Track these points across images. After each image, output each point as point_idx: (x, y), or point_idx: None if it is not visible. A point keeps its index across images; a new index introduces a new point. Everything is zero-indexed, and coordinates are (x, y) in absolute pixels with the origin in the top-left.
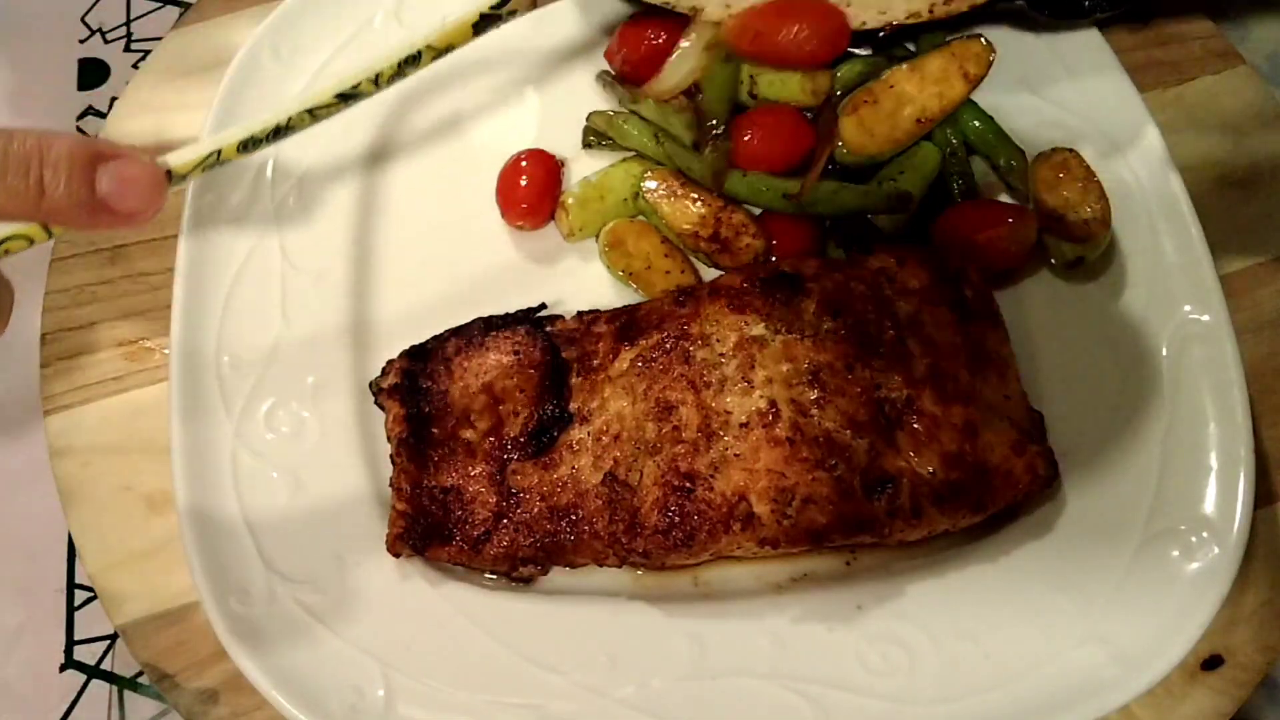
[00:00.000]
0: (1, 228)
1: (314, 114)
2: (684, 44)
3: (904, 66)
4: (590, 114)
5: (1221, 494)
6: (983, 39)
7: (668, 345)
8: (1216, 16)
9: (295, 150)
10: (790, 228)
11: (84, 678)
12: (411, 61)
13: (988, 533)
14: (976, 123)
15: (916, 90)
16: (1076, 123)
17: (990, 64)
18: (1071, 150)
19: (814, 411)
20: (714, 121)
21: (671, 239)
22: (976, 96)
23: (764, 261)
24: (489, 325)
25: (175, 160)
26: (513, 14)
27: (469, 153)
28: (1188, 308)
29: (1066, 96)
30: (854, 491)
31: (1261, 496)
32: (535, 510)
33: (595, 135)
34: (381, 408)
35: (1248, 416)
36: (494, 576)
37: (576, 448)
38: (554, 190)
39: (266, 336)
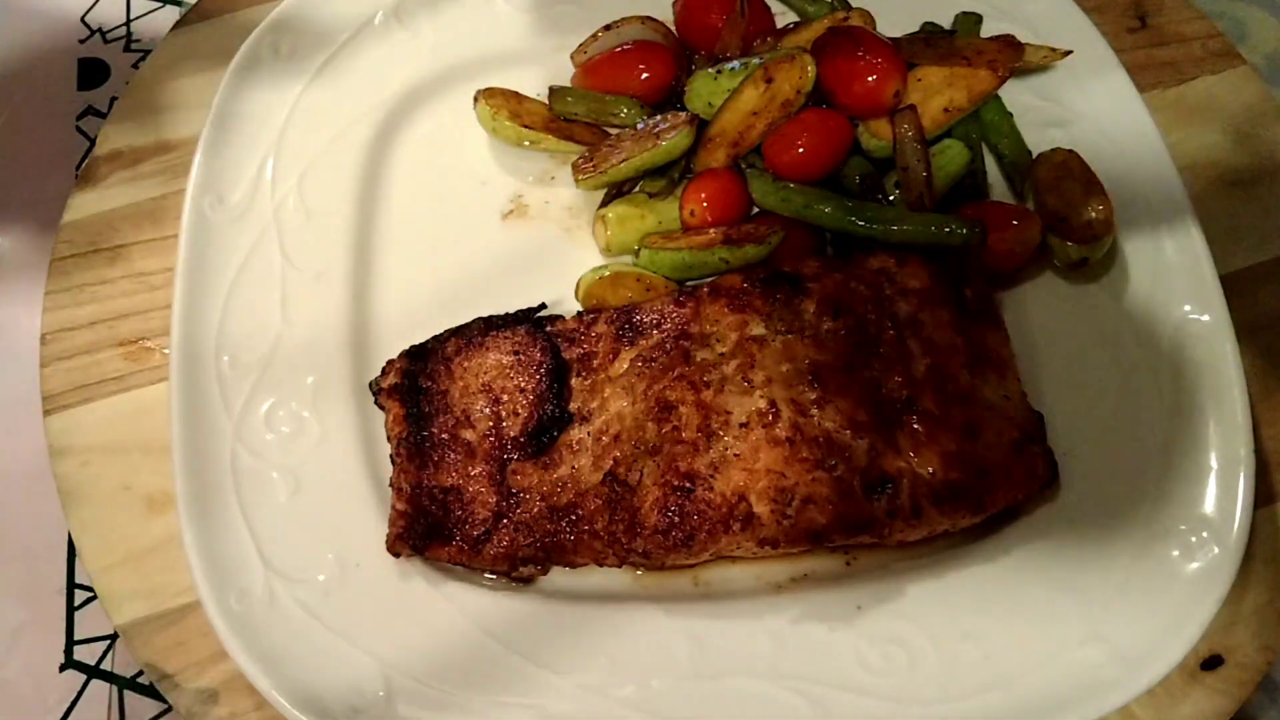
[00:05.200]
0: None
1: None
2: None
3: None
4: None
5: (1221, 494)
6: (1012, 36)
7: (668, 345)
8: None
9: (295, 150)
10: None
11: (84, 678)
12: None
13: (988, 533)
14: (996, 118)
15: (945, 83)
16: (1076, 123)
17: (1019, 60)
18: (1071, 150)
19: (814, 411)
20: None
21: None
22: None
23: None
24: (489, 325)
25: None
26: None
27: (469, 153)
28: (1188, 308)
29: (1066, 96)
30: (854, 492)
31: (1261, 496)
32: (535, 510)
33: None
34: (381, 408)
35: (1248, 416)
36: (494, 576)
37: (576, 448)
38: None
39: (266, 336)
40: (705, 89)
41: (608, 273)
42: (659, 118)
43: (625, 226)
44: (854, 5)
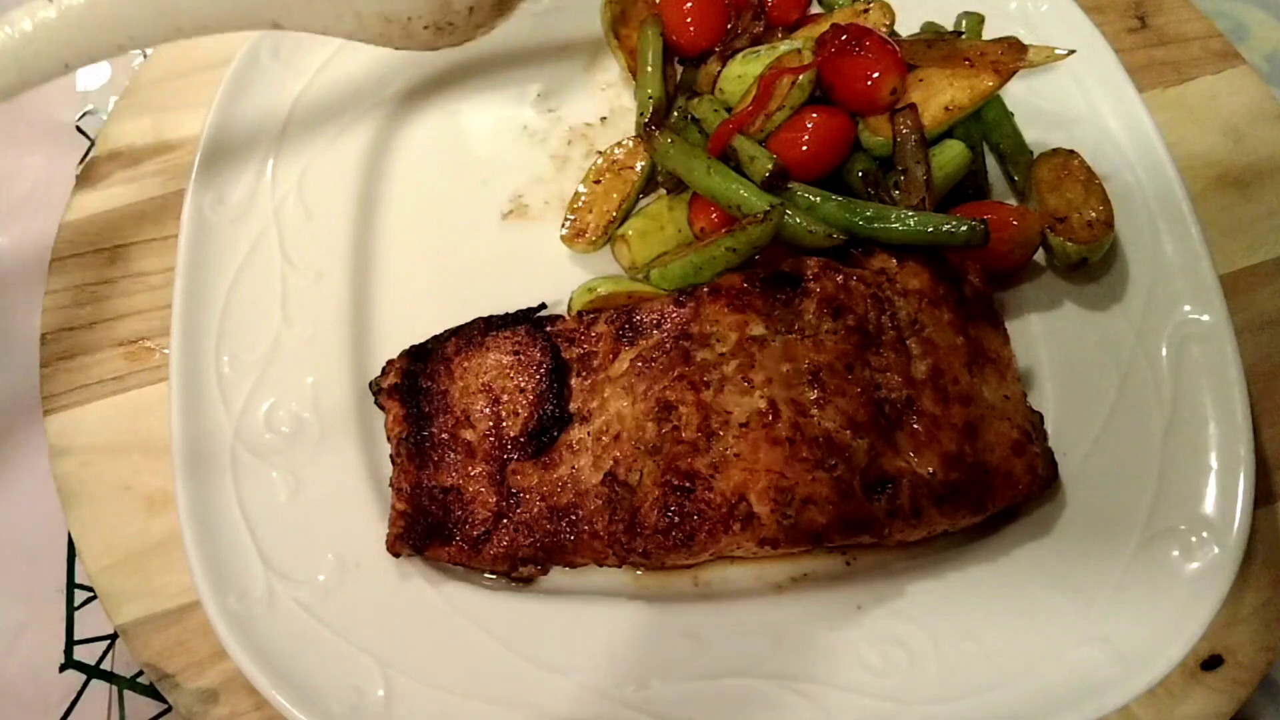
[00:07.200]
0: None
1: None
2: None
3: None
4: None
5: (1221, 494)
6: (1016, 38)
7: (668, 345)
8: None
9: (295, 150)
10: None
11: (84, 678)
12: None
13: (988, 533)
14: (997, 117)
15: (947, 82)
16: (1077, 123)
17: (1022, 62)
18: (1071, 151)
19: (814, 411)
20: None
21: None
22: None
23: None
24: (489, 325)
25: None
26: None
27: (469, 153)
28: (1188, 308)
29: (1067, 96)
30: (854, 492)
31: (1261, 496)
32: (535, 510)
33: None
34: (381, 408)
35: (1248, 416)
36: (494, 576)
37: (576, 448)
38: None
39: (266, 336)
40: (735, 70)
41: (602, 291)
42: (613, 148)
43: (647, 241)
44: None
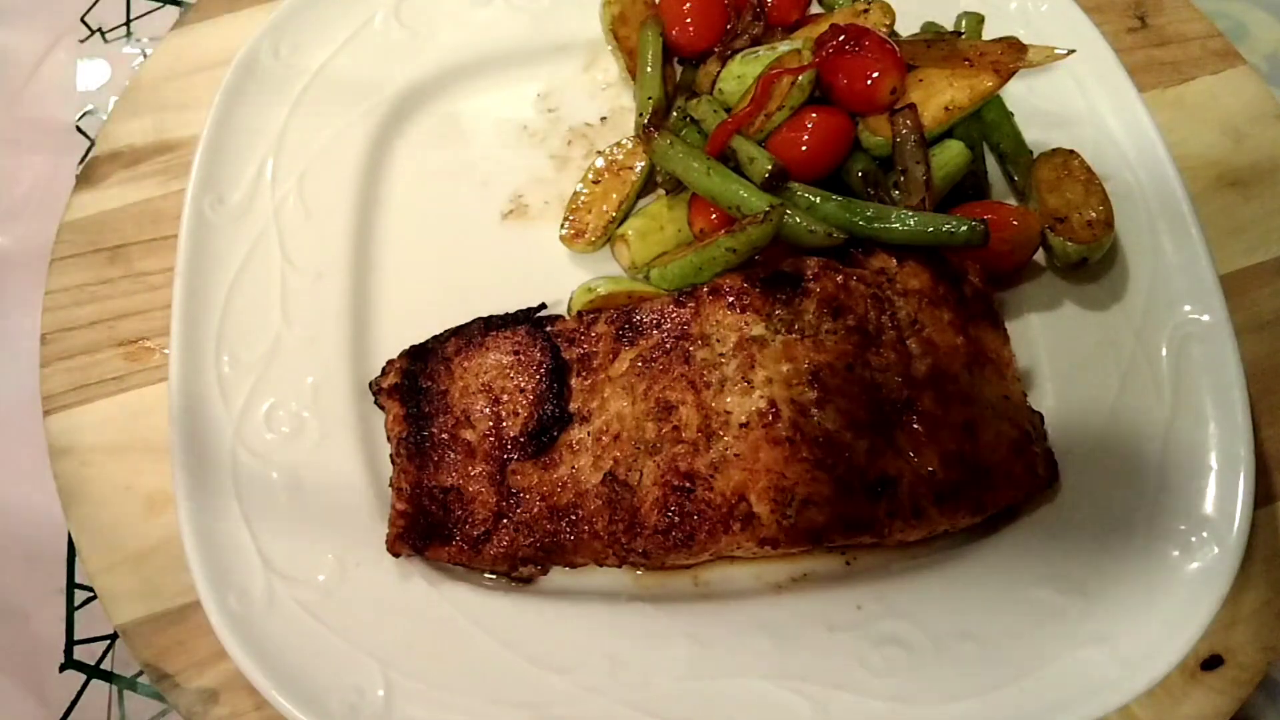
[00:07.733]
0: None
1: None
2: None
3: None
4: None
5: (1221, 494)
6: (1016, 38)
7: (668, 345)
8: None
9: (295, 150)
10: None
11: (84, 678)
12: None
13: (988, 533)
14: (997, 117)
15: (947, 83)
16: (1077, 123)
17: (1022, 62)
18: (1072, 151)
19: (814, 411)
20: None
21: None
22: None
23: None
24: (489, 325)
25: None
26: None
27: (469, 153)
28: (1188, 308)
29: (1067, 96)
30: (854, 492)
31: (1261, 496)
32: (535, 510)
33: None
34: (381, 408)
35: (1248, 416)
36: (494, 576)
37: (576, 448)
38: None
39: (266, 336)
40: (735, 70)
41: (602, 291)
42: (612, 148)
43: (646, 241)
44: None
